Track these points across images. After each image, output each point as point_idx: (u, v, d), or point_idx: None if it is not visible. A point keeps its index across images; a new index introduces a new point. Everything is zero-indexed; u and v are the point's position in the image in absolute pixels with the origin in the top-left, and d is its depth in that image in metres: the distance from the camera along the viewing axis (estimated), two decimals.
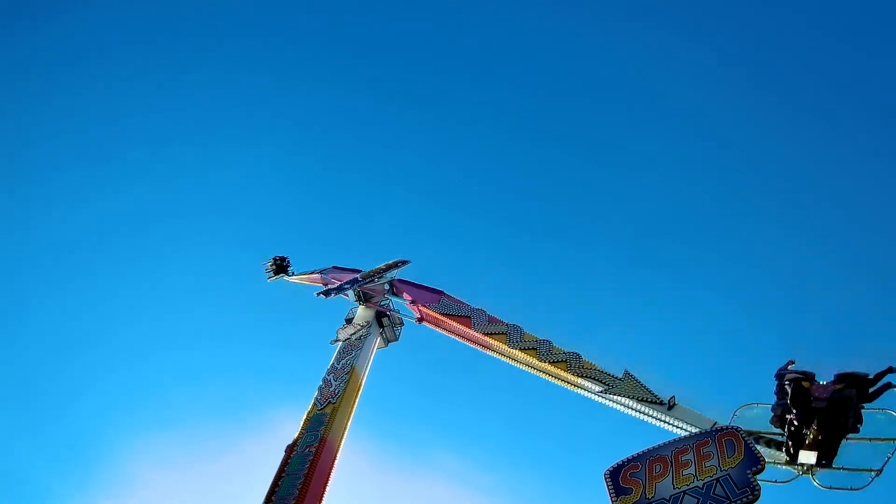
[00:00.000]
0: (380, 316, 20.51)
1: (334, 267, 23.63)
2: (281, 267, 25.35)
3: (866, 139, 39.12)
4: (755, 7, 42.83)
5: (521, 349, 16.23)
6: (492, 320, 17.65)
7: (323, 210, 45.82)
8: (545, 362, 15.62)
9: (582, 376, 14.79)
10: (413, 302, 19.85)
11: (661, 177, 42.72)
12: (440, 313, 18.77)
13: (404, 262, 21.85)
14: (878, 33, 39.31)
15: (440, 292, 19.75)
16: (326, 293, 21.77)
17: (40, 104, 43.01)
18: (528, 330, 16.77)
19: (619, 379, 14.20)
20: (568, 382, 15.15)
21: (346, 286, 21.59)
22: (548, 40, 47.07)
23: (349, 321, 20.55)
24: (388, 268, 21.60)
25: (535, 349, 16.02)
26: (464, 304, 18.85)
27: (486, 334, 17.22)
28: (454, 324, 18.28)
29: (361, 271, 21.89)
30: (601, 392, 14.21)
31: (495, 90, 48.23)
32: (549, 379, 15.70)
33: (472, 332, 17.51)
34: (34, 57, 43.06)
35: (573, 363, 15.17)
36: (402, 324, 20.89)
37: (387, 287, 21.12)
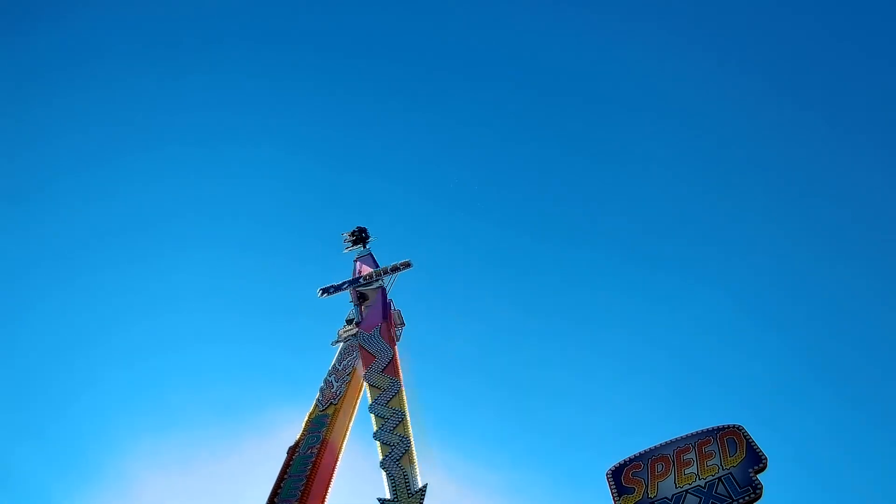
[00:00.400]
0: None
1: (370, 255, 23.35)
2: (360, 238, 24.74)
3: (869, 138, 39.18)
4: (755, 7, 42.90)
5: (374, 413, 15.43)
6: (388, 370, 16.66)
7: (324, 211, 45.83)
8: (376, 438, 14.75)
9: (387, 472, 13.84)
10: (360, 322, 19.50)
11: (663, 176, 42.78)
12: (360, 343, 18.24)
13: (406, 265, 21.54)
14: (878, 33, 39.36)
15: (386, 319, 19.09)
16: (325, 291, 21.69)
17: (40, 106, 43.04)
18: (399, 392, 15.77)
19: (410, 494, 13.21)
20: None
21: (343, 286, 21.51)
22: (548, 40, 47.13)
23: (350, 321, 20.53)
24: (394, 269, 21.47)
25: (382, 418, 15.15)
26: (387, 341, 17.97)
27: (368, 382, 16.46)
28: (360, 358, 17.63)
29: (365, 274, 21.72)
30: (384, 499, 13.35)
31: (495, 90, 48.28)
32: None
33: (361, 372, 16.93)
34: (35, 59, 43.10)
35: (394, 451, 14.17)
36: (403, 324, 20.83)
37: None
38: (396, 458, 13.99)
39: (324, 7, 49.77)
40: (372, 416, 15.36)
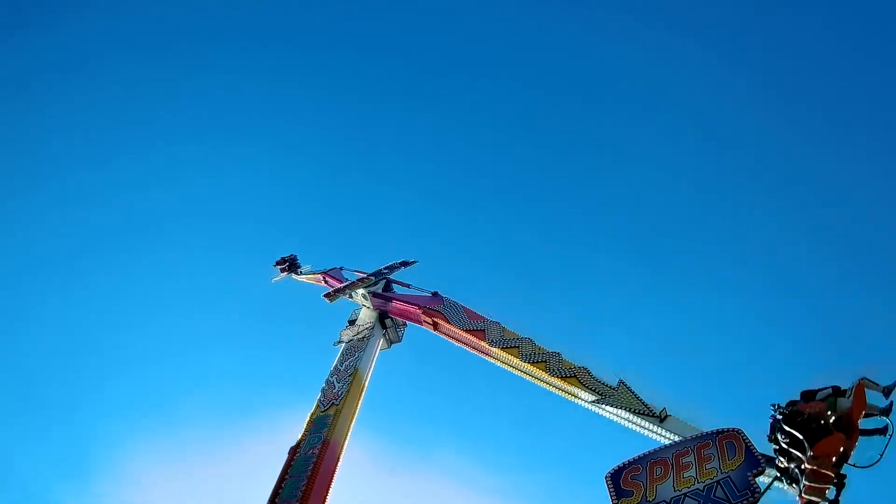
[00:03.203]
0: (382, 317, 20.56)
1: (341, 268, 23.70)
2: (292, 265, 25.47)
3: (868, 138, 39.09)
4: (754, 7, 42.86)
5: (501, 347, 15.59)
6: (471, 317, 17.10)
7: (326, 212, 45.90)
8: (528, 362, 14.96)
9: (574, 382, 14.18)
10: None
11: (663, 176, 42.76)
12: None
13: (407, 264, 22.06)
14: (878, 33, 39.28)
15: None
16: (331, 295, 21.78)
17: (43, 107, 43.10)
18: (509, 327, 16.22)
19: (613, 388, 13.71)
20: (560, 389, 14.53)
21: (347, 287, 21.66)
22: (547, 40, 47.12)
23: (352, 322, 20.63)
24: (391, 269, 21.79)
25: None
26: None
27: (467, 330, 16.74)
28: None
29: (366, 273, 21.91)
30: (595, 402, 13.72)
31: (496, 91, 48.28)
32: (541, 384, 14.99)
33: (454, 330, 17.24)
34: (39, 60, 43.14)
35: (573, 372, 14.43)
36: (404, 324, 20.95)
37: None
38: (563, 369, 14.31)
39: (327, 9, 49.86)
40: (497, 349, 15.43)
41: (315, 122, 48.53)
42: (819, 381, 11.14)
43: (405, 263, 22.44)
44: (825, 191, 39.61)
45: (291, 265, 25.47)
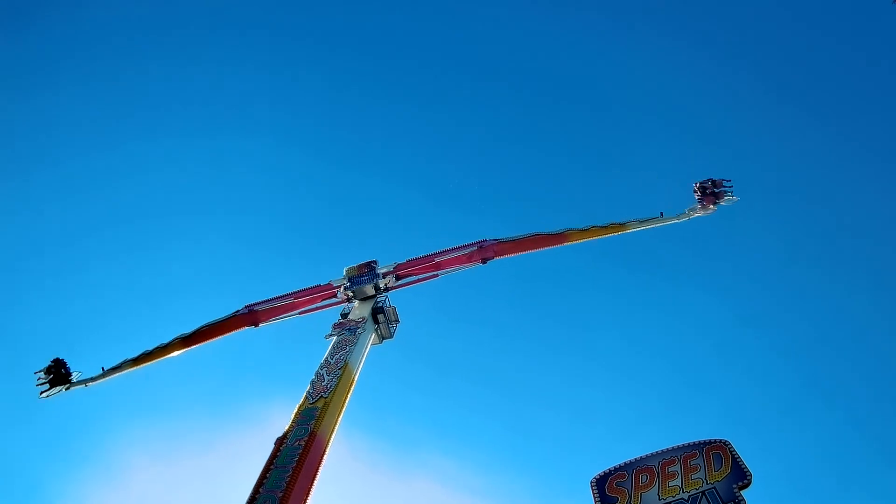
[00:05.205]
0: (375, 312, 20.55)
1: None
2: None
3: (861, 143, 39.20)
4: (754, 9, 42.95)
5: None
6: None
7: (316, 204, 45.86)
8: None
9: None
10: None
11: (657, 178, 42.83)
12: None
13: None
14: (877, 37, 39.38)
15: None
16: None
17: (37, 99, 42.72)
18: None
19: None
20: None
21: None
22: (547, 41, 47.14)
23: (344, 316, 20.59)
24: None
25: None
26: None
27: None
28: None
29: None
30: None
31: (495, 90, 48.30)
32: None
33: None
34: (34, 51, 42.77)
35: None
36: (397, 321, 20.95)
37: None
38: None
39: (327, 6, 49.74)
40: None
41: (314, 118, 48.45)
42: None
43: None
44: (822, 199, 39.71)
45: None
